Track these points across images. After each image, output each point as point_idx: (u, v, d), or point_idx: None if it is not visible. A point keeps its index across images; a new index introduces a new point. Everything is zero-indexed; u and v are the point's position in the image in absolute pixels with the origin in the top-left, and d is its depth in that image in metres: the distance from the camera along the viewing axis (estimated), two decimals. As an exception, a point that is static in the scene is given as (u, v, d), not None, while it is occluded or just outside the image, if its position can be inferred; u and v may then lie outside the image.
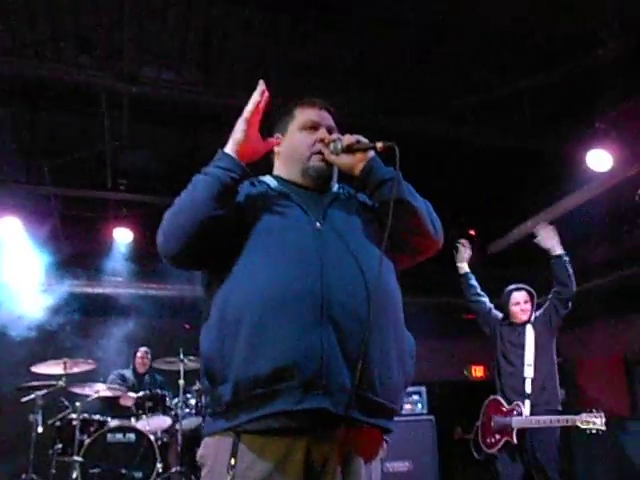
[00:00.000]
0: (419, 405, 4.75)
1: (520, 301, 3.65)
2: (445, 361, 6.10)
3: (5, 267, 4.76)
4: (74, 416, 4.42)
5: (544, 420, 3.31)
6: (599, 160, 4.09)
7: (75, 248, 5.08)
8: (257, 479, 1.21)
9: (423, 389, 4.84)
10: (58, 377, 4.48)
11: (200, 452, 1.34)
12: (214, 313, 1.33)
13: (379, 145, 1.45)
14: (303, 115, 1.57)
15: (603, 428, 3.09)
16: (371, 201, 1.52)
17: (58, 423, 4.46)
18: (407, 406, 4.68)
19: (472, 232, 4.79)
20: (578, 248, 4.50)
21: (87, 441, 4.34)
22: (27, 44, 3.89)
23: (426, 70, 4.06)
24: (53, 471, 4.43)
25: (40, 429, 4.40)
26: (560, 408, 3.52)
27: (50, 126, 4.43)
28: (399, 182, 1.42)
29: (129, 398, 4.74)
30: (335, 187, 1.59)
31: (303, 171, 1.53)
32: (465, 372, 6.57)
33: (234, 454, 1.23)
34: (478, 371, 6.90)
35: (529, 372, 3.48)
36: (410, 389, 4.70)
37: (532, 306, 3.68)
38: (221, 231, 1.35)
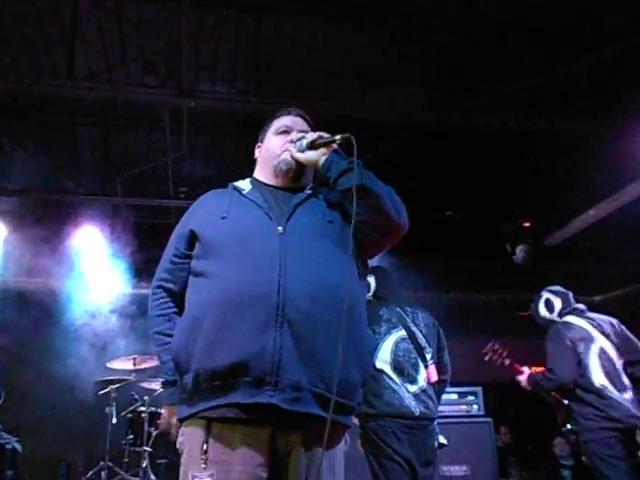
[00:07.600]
0: (475, 406, 4.60)
1: None
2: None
3: (85, 272, 5.26)
4: (143, 409, 4.76)
5: None
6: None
7: (146, 254, 5.47)
8: (227, 463, 1.34)
9: (479, 390, 4.69)
10: (129, 372, 4.85)
11: (179, 440, 1.47)
12: (185, 311, 1.51)
13: (337, 137, 1.56)
14: (277, 122, 1.76)
15: None
16: (336, 196, 1.59)
17: (129, 415, 4.82)
18: (462, 407, 4.56)
19: (527, 224, 4.62)
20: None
21: (155, 433, 4.66)
22: (101, 70, 4.36)
23: (472, 61, 4.05)
24: (126, 459, 4.77)
25: (114, 420, 4.79)
26: None
27: (121, 142, 4.89)
28: (359, 169, 1.49)
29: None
30: (308, 188, 1.68)
31: (275, 168, 1.67)
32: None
33: (206, 441, 1.36)
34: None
35: None
36: (465, 389, 4.59)
37: None
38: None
